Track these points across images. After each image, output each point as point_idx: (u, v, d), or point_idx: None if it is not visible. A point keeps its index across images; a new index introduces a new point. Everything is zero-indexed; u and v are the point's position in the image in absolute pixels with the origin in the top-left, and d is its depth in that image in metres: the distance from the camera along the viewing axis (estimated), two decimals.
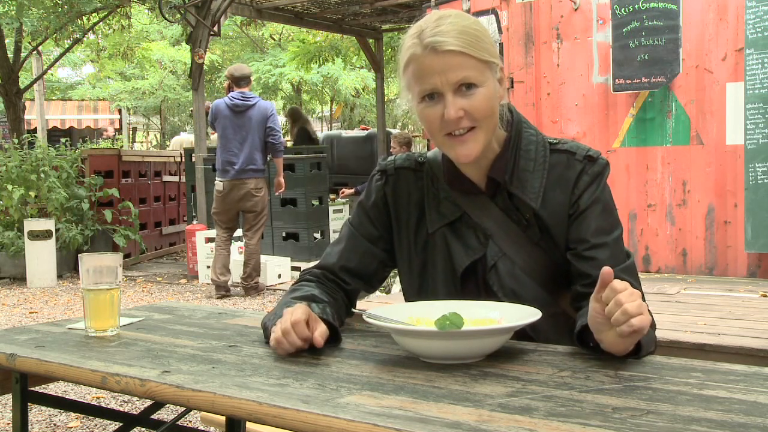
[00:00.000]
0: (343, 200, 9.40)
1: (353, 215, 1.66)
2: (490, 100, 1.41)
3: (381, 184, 1.61)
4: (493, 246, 1.49)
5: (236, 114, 6.28)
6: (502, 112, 1.49)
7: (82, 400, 3.43)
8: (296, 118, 10.80)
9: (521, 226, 1.48)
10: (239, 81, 6.36)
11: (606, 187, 1.49)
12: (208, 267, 7.15)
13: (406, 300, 1.62)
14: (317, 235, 8.12)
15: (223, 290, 6.47)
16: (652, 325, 1.38)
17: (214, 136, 7.57)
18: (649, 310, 1.39)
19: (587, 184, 1.46)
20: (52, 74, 19.85)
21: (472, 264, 1.50)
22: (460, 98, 1.38)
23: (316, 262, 1.68)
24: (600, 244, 1.44)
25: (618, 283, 1.19)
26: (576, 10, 5.39)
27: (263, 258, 6.93)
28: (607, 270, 1.20)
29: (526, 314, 1.33)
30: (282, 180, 6.69)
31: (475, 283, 1.51)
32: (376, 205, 1.61)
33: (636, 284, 1.42)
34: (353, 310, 1.60)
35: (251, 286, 6.51)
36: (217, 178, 6.37)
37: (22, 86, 11.01)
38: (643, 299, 1.40)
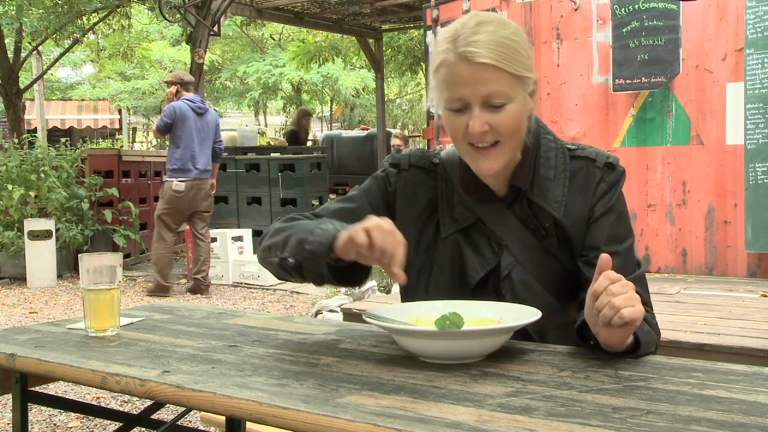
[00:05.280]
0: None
1: (365, 186, 1.61)
2: (518, 117, 1.37)
3: (394, 174, 1.57)
4: (507, 255, 1.46)
5: (198, 116, 6.54)
6: (529, 124, 1.44)
7: (82, 400, 3.43)
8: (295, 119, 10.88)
9: (538, 235, 1.46)
10: (189, 85, 6.63)
11: (621, 195, 1.47)
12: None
13: (402, 299, 1.60)
14: None
15: (169, 292, 6.60)
16: (655, 329, 1.37)
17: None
18: (648, 308, 1.39)
19: (604, 192, 1.45)
20: (52, 74, 19.87)
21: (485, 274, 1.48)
22: (487, 112, 1.35)
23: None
24: (612, 252, 1.38)
25: (612, 273, 1.19)
26: (576, 10, 5.39)
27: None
28: (605, 256, 1.20)
29: (526, 314, 1.32)
30: (215, 182, 6.98)
31: (485, 293, 1.48)
32: (386, 191, 1.58)
33: (645, 294, 1.41)
34: (353, 309, 1.60)
35: (208, 283, 6.72)
36: (175, 179, 6.41)
37: (22, 86, 11.00)
38: (651, 306, 1.40)
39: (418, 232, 1.54)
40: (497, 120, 1.35)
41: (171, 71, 19.71)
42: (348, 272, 1.38)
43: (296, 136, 10.42)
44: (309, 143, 10.74)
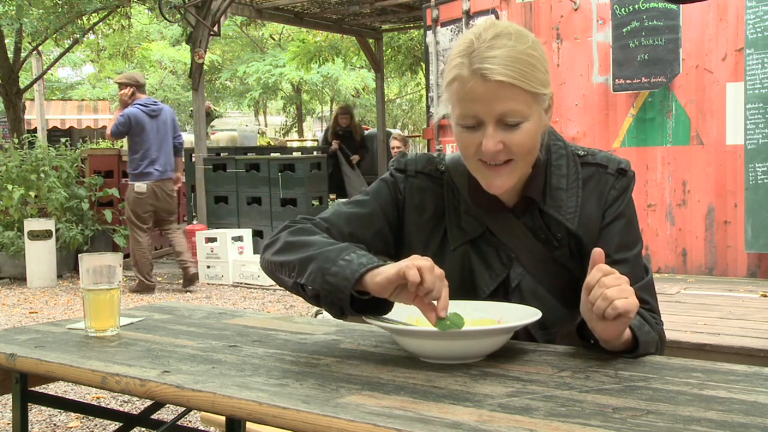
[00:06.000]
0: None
1: (374, 189, 1.53)
2: (533, 135, 1.33)
3: (402, 179, 1.52)
4: (517, 266, 1.44)
5: (152, 119, 6.58)
6: (542, 138, 1.41)
7: (82, 400, 3.43)
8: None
9: (549, 245, 1.43)
10: (143, 87, 6.71)
11: (631, 201, 1.44)
12: (209, 267, 7.19)
13: None
14: None
15: (153, 290, 6.72)
16: (658, 332, 1.36)
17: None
18: (656, 314, 1.38)
19: (614, 198, 1.42)
20: (52, 74, 19.85)
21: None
22: (501, 131, 1.30)
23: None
24: (621, 260, 1.39)
25: (605, 266, 1.19)
26: (576, 10, 5.39)
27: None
28: (598, 251, 1.20)
29: (526, 314, 1.32)
30: (181, 175, 7.06)
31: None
32: (396, 197, 1.52)
33: (652, 301, 1.40)
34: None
35: (195, 261, 6.88)
36: (137, 182, 6.52)
37: (22, 86, 11.00)
38: (659, 314, 1.39)
39: (424, 240, 1.50)
40: (511, 139, 1.31)
41: (172, 71, 19.76)
42: (368, 306, 1.31)
43: (327, 137, 10.11)
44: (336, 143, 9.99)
